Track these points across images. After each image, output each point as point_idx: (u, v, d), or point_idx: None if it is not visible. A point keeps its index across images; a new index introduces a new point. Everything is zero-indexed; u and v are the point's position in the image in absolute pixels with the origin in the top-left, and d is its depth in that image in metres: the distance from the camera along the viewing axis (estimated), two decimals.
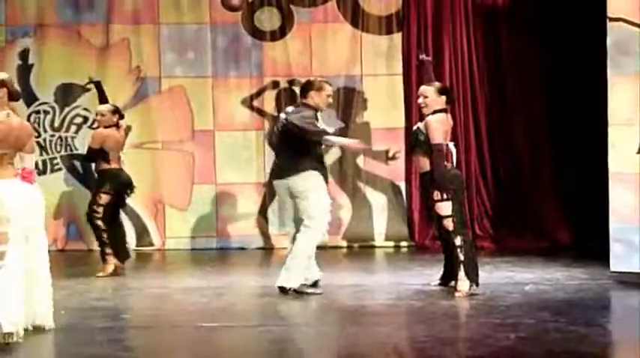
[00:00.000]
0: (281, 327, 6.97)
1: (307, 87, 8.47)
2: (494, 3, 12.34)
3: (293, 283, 8.27)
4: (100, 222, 9.69)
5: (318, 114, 8.42)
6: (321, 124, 8.38)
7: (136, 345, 6.65)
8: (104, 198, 9.72)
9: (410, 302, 7.94)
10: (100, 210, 9.69)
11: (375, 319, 7.40)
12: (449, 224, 8.06)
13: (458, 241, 8.04)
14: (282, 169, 8.41)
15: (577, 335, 6.41)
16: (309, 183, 8.26)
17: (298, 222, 8.35)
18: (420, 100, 8.34)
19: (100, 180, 9.83)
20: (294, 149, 8.29)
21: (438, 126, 8.15)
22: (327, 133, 8.36)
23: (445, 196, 8.04)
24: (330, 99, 8.54)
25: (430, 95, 8.29)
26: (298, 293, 8.24)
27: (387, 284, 9.08)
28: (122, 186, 9.86)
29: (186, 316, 7.68)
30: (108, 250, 9.71)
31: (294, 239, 8.37)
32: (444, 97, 8.31)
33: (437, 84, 8.54)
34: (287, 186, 8.33)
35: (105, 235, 9.68)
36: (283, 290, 8.30)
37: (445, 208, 8.06)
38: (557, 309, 7.39)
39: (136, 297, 8.66)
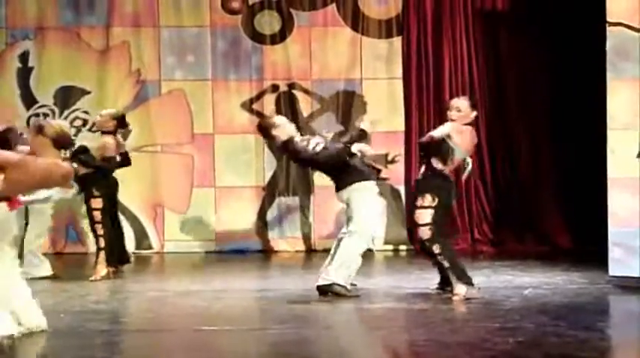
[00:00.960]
0: (280, 330, 6.96)
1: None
2: (493, 7, 12.35)
3: (335, 278, 8.19)
4: (98, 227, 9.66)
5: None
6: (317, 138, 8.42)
7: (134, 348, 6.64)
8: (95, 202, 9.67)
9: (409, 306, 7.94)
10: (97, 214, 9.66)
11: (374, 323, 7.40)
12: (425, 232, 8.01)
13: (436, 249, 8.01)
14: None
15: (576, 339, 6.40)
16: (354, 193, 8.23)
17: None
18: (454, 114, 8.16)
19: (87, 185, 9.75)
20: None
21: (447, 129, 8.05)
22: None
23: (427, 204, 8.02)
24: None
25: (464, 109, 8.19)
26: (337, 290, 8.16)
27: (385, 288, 9.07)
28: (108, 186, 9.81)
29: (185, 319, 7.68)
30: (102, 255, 9.66)
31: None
32: (474, 113, 8.29)
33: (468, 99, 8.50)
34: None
35: (102, 240, 9.65)
36: (322, 290, 8.23)
37: (424, 216, 8.03)
38: (556, 313, 7.39)
39: (134, 300, 8.66)
